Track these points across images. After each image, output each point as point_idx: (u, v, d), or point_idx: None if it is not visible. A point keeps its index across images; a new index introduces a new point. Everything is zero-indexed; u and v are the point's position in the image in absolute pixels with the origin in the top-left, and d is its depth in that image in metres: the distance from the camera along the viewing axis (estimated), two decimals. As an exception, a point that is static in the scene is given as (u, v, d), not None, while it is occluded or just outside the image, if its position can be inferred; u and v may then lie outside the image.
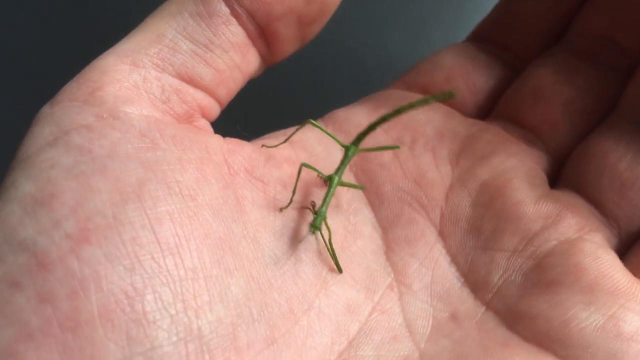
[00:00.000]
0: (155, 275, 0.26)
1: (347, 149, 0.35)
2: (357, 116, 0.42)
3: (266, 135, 0.40)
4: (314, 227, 0.31)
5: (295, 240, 0.33)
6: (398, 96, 0.43)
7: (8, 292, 0.24)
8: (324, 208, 0.32)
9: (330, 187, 0.34)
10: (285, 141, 0.37)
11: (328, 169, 0.37)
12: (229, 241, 0.30)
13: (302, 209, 0.34)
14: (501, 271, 0.33)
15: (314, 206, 0.34)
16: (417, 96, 0.43)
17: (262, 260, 0.31)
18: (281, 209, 0.33)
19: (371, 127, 0.34)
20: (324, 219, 0.32)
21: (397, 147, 0.36)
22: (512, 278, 0.33)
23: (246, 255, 0.30)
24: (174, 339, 0.25)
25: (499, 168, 0.37)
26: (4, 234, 0.26)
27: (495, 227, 0.35)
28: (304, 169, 0.34)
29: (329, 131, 0.41)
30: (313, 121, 0.35)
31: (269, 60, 0.38)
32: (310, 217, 0.34)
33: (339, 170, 0.34)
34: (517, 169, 0.37)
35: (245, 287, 0.29)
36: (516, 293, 0.32)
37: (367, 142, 0.36)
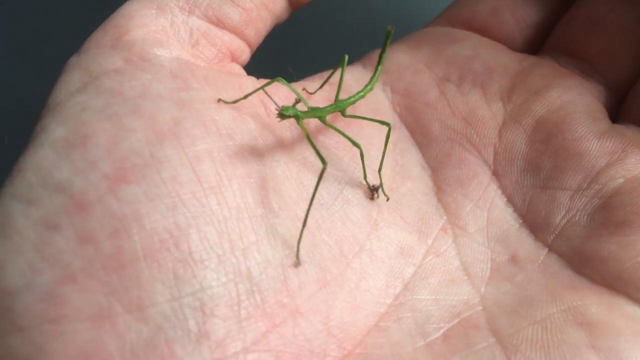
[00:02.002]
0: (198, 214, 0.24)
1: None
2: (397, 54, 0.39)
3: (306, 78, 0.38)
4: (281, 114, 0.28)
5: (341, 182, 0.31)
6: (439, 33, 0.41)
7: (46, 234, 0.23)
8: (300, 111, 0.30)
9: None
10: (323, 85, 0.35)
11: (365, 111, 0.35)
12: (272, 181, 0.28)
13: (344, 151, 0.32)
14: (564, 211, 0.31)
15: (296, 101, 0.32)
16: (461, 32, 0.40)
17: (307, 201, 0.29)
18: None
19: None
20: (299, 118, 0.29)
21: (388, 123, 0.32)
22: (577, 218, 0.31)
23: (290, 196, 0.28)
24: (223, 279, 0.24)
25: (556, 103, 0.34)
26: (38, 178, 0.25)
27: (555, 164, 0.32)
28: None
29: (366, 70, 0.39)
30: (281, 79, 0.32)
31: (294, 5, 0.36)
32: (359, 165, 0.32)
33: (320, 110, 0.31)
34: (575, 103, 0.34)
35: (292, 227, 0.27)
36: (582, 234, 0.30)
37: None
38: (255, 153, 0.28)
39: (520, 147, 0.34)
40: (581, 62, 0.38)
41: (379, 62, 0.34)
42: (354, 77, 0.38)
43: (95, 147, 0.25)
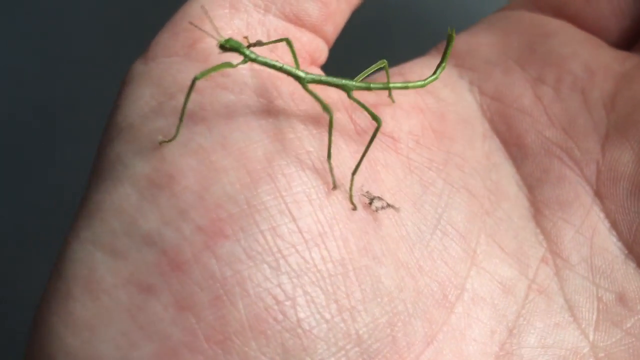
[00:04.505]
0: (303, 272, 0.22)
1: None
2: (482, 47, 0.35)
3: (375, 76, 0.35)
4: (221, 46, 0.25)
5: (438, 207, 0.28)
6: (527, 21, 0.36)
7: (140, 297, 0.21)
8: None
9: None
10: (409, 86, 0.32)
11: (454, 117, 0.32)
12: (370, 221, 0.25)
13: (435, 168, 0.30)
14: None
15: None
16: (553, 22, 0.36)
17: (407, 239, 0.26)
18: None
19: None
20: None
21: (379, 123, 0.26)
22: None
23: (390, 235, 0.26)
24: (334, 349, 0.22)
25: None
26: (122, 224, 0.22)
27: None
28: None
29: (449, 66, 0.35)
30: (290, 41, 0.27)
31: None
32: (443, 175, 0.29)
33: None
34: None
35: (396, 276, 0.25)
36: None
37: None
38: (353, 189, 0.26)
39: (627, 166, 0.31)
40: None
41: (438, 68, 0.30)
42: (440, 77, 0.34)
43: (184, 190, 0.23)
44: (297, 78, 0.27)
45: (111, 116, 0.27)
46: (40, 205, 0.52)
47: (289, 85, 0.27)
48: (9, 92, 0.55)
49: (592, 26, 0.36)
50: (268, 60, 0.26)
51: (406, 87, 0.29)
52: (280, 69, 0.26)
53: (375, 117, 0.26)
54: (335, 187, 0.25)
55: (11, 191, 0.52)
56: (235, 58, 0.25)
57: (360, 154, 0.26)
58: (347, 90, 0.28)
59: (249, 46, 0.26)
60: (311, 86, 0.27)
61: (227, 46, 0.25)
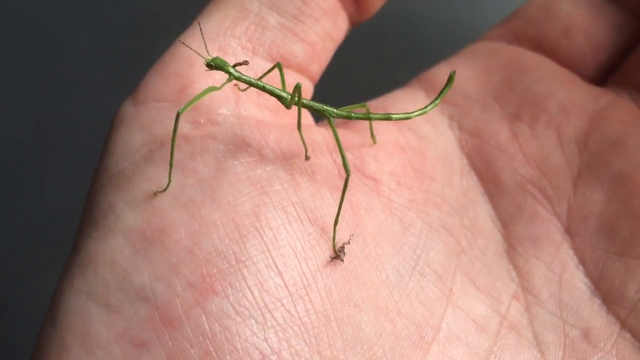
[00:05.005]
0: (288, 326, 0.24)
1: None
2: (464, 81, 0.36)
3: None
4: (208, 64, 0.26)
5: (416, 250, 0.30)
6: (508, 56, 0.37)
7: (133, 353, 0.22)
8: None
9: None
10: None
11: (433, 154, 0.33)
12: (353, 268, 0.27)
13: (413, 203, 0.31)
14: (638, 284, 0.30)
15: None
16: (532, 57, 0.37)
17: (387, 283, 0.28)
18: None
19: None
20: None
21: (348, 173, 0.26)
22: None
23: (371, 280, 0.27)
24: None
25: (636, 158, 0.32)
26: (115, 278, 0.23)
27: (633, 230, 0.31)
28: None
29: (430, 99, 0.36)
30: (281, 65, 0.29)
31: (355, 22, 0.33)
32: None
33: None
34: None
35: (376, 322, 0.26)
36: None
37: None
38: (337, 236, 0.27)
39: (597, 205, 0.32)
40: None
41: (431, 104, 0.30)
42: (417, 108, 0.35)
43: (175, 245, 0.24)
44: (280, 99, 0.28)
45: (102, 159, 0.28)
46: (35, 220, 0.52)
47: (276, 132, 0.28)
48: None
49: (569, 59, 0.37)
50: (252, 80, 0.27)
51: (389, 119, 0.30)
52: (263, 89, 0.27)
53: (345, 166, 0.27)
54: (336, 255, 0.26)
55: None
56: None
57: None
58: (327, 116, 0.29)
59: (234, 65, 0.27)
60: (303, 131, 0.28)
61: (212, 64, 0.26)
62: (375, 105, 0.35)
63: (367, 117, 0.30)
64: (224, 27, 0.29)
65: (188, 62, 0.29)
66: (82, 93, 0.55)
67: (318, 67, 0.32)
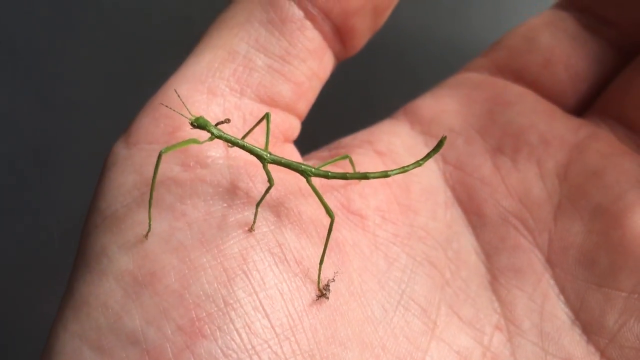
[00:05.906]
0: None
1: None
2: (447, 113, 0.37)
3: (322, 149, 0.37)
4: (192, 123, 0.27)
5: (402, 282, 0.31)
6: (490, 89, 0.38)
7: None
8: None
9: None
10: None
11: (417, 186, 0.34)
12: (338, 306, 0.28)
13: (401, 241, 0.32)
14: (617, 314, 0.31)
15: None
16: (513, 89, 0.38)
17: (372, 320, 0.29)
18: None
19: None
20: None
21: (332, 217, 0.27)
22: (631, 324, 0.31)
23: (356, 318, 0.28)
24: None
25: (614, 189, 0.33)
26: (107, 321, 0.24)
27: (612, 261, 0.32)
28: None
29: (415, 132, 0.37)
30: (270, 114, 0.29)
31: (341, 58, 0.35)
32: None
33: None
34: (635, 192, 0.33)
35: (360, 359, 0.27)
36: (636, 345, 0.30)
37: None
38: (322, 278, 0.28)
39: (577, 236, 0.33)
40: (638, 136, 0.36)
41: (425, 157, 0.30)
42: (403, 142, 0.36)
43: (166, 289, 0.25)
44: (258, 157, 0.29)
45: (95, 199, 0.29)
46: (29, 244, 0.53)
47: (264, 174, 0.29)
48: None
49: (550, 90, 0.39)
50: (232, 138, 0.28)
51: (366, 178, 0.30)
52: (243, 147, 0.28)
53: (328, 211, 0.27)
54: (322, 294, 0.27)
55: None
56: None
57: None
58: (305, 175, 0.29)
59: (217, 124, 0.28)
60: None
61: (195, 124, 0.27)
62: (361, 138, 0.37)
63: (344, 177, 0.30)
64: (213, 68, 0.30)
65: (178, 102, 0.29)
66: (80, 123, 0.56)
67: (305, 105, 0.33)
